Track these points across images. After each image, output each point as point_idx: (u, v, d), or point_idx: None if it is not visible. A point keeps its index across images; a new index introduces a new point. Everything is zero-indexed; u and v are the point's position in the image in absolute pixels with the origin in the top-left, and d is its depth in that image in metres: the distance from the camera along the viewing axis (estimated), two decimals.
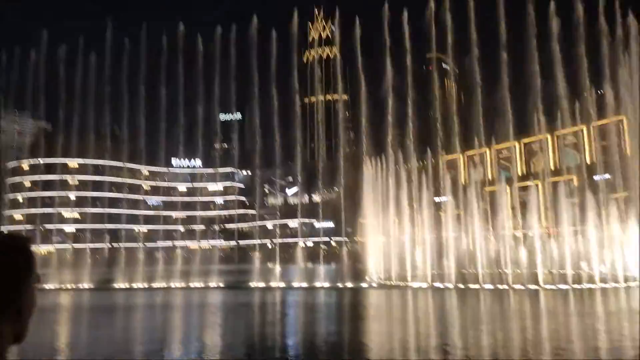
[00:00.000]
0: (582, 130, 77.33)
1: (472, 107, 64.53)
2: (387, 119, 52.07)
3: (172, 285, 41.55)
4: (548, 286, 34.48)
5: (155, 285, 41.77)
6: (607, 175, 64.24)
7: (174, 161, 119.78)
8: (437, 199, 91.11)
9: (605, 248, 40.12)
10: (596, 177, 68.84)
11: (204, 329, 20.52)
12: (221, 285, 41.24)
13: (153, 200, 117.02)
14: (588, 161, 76.91)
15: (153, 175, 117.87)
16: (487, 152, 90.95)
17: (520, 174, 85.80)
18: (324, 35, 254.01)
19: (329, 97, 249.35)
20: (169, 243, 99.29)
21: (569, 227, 47.66)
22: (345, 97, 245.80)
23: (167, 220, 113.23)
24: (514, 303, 26.73)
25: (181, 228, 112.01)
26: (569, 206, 51.56)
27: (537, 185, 78.72)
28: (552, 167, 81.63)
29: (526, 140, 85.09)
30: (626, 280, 36.42)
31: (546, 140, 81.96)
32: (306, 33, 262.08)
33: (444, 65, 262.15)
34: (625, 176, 49.71)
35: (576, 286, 34.14)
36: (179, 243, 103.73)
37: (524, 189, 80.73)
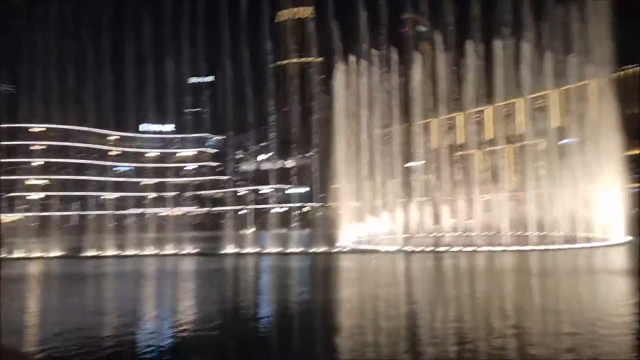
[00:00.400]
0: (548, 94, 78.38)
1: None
2: (360, 82, 51.49)
3: (144, 252, 41.08)
4: (512, 248, 35.66)
5: (126, 253, 41.21)
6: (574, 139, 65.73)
7: (144, 126, 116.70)
8: (409, 164, 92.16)
9: (572, 210, 41.54)
10: (564, 141, 70.42)
11: (177, 297, 20.34)
12: (194, 252, 40.95)
13: (122, 166, 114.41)
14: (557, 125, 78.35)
15: (122, 141, 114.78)
16: (460, 116, 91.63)
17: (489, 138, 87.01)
18: None
19: (303, 59, 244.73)
20: (139, 211, 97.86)
21: (535, 191, 48.96)
22: (320, 59, 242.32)
23: (137, 187, 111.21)
24: (468, 264, 27.62)
25: (151, 195, 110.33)
26: (535, 170, 52.83)
27: (505, 149, 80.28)
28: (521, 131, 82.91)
29: (496, 104, 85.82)
30: (588, 240, 37.98)
31: (515, 105, 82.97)
32: None
33: (418, 27, 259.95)
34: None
35: (538, 247, 35.36)
36: (149, 210, 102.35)
37: (493, 152, 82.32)
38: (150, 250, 41.33)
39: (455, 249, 35.76)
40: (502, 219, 43.24)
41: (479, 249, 35.06)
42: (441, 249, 36.52)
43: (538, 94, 79.48)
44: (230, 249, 40.73)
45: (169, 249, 41.48)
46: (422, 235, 49.84)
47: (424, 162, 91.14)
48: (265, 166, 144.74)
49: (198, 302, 18.52)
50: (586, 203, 43.71)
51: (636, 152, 61.67)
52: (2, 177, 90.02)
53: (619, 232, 40.83)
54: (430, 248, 37.16)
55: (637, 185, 61.81)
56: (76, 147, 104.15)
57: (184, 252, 40.95)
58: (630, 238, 39.27)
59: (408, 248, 37.51)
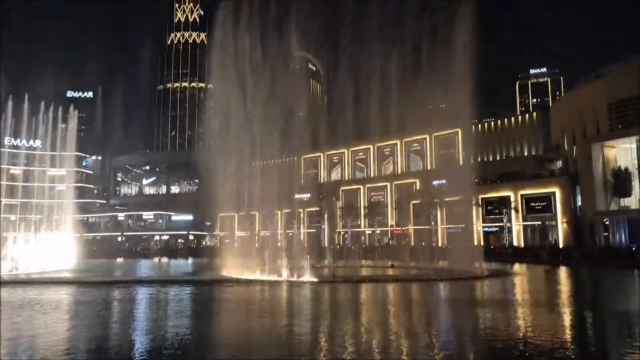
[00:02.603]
0: (425, 139, 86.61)
1: (335, 109, 68.04)
2: (251, 115, 52.09)
3: None
4: None
5: None
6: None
7: (8, 140, 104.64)
8: (297, 196, 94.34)
9: None
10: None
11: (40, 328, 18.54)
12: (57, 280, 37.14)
13: None
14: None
15: None
16: (345, 152, 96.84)
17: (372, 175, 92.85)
18: (190, 19, 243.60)
19: (193, 84, 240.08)
20: None
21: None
22: (210, 86, 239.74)
23: None
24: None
25: (12, 217, 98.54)
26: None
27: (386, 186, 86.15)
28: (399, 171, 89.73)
29: (379, 144, 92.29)
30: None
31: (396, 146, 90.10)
32: (172, 13, 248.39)
33: (310, 65, 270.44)
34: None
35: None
36: (11, 234, 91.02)
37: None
38: None
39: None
40: None
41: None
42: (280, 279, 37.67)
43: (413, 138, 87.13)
44: (95, 277, 37.72)
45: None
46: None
47: (309, 194, 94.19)
48: (149, 191, 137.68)
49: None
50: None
51: (490, 195, 70.19)
52: None
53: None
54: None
55: (491, 224, 70.05)
56: None
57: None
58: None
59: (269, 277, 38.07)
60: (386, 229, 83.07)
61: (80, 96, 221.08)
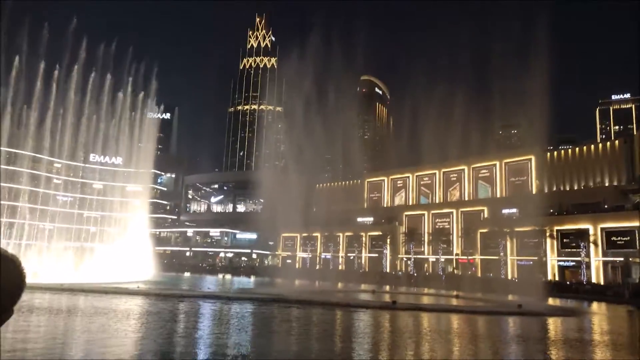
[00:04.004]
0: (494, 165, 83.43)
1: (400, 132, 67.70)
2: (317, 137, 52.97)
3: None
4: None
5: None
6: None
7: (93, 157, 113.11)
8: (359, 219, 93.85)
9: None
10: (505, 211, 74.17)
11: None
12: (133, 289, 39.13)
13: (65, 196, 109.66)
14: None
15: (67, 170, 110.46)
16: (410, 177, 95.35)
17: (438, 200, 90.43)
18: (262, 45, 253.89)
19: (262, 106, 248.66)
20: (77, 244, 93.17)
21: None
22: (279, 108, 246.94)
23: (78, 219, 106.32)
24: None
25: (92, 228, 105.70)
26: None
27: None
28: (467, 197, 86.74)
29: (445, 169, 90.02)
30: None
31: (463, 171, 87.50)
32: (245, 40, 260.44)
33: (376, 89, 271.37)
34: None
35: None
36: (89, 244, 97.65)
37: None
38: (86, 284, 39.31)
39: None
40: None
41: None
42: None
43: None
44: (173, 290, 39.39)
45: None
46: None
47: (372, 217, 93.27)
48: (217, 209, 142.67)
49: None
50: None
51: (566, 227, 65.80)
52: None
53: None
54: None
55: (567, 258, 65.46)
56: (18, 172, 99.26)
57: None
58: None
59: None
60: (451, 257, 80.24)
61: (159, 117, 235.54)
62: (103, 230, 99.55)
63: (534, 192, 76.04)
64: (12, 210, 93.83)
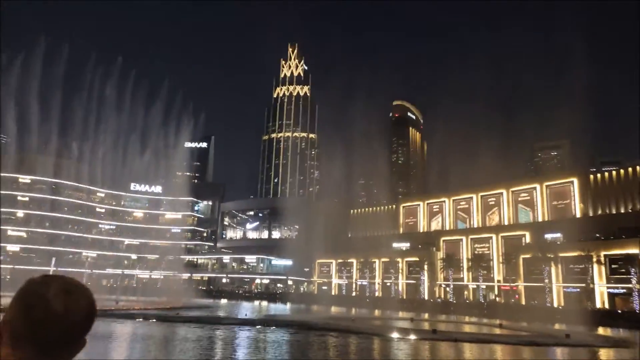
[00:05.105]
0: (535, 188, 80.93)
1: (435, 156, 66.94)
2: (351, 163, 52.94)
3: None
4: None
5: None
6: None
7: (133, 186, 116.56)
8: (395, 245, 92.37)
9: None
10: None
11: None
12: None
13: (106, 224, 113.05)
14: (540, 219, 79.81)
15: (109, 198, 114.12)
16: (447, 201, 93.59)
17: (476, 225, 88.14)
18: (295, 73, 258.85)
19: (296, 134, 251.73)
20: (118, 271, 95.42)
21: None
22: (312, 135, 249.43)
23: (119, 246, 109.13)
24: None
25: (133, 256, 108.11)
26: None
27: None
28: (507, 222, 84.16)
29: (483, 192, 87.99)
30: None
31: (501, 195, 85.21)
32: (279, 69, 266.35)
33: (409, 114, 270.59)
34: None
35: None
36: (128, 272, 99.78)
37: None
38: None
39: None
40: None
41: None
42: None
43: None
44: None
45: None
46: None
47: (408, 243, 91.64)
48: (252, 235, 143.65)
49: None
50: None
51: (614, 252, 62.58)
52: None
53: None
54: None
55: (616, 285, 62.03)
56: (62, 201, 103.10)
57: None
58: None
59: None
60: (492, 284, 77.48)
61: (196, 146, 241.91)
62: (142, 258, 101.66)
63: (578, 215, 73.14)
64: (54, 238, 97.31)
